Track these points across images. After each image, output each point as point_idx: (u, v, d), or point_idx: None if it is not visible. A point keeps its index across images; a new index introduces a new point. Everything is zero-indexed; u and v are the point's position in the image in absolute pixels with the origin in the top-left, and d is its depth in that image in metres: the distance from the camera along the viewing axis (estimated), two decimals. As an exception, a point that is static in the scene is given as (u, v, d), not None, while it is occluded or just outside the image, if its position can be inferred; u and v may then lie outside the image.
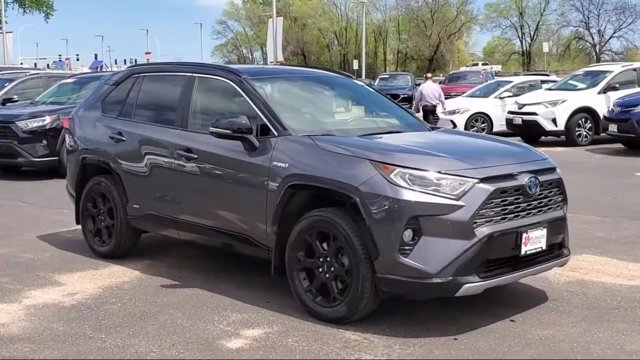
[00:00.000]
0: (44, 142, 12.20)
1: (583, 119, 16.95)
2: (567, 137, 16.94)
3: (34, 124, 12.26)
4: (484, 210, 4.77)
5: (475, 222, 4.73)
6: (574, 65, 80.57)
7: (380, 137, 5.69)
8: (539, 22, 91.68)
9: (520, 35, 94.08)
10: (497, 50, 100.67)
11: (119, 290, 6.00)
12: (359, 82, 7.19)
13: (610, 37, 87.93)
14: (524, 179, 4.98)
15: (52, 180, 12.33)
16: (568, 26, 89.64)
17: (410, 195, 4.72)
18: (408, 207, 4.69)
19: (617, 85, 16.89)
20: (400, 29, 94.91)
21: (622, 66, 18.13)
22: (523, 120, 17.29)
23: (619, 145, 16.23)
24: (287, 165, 5.30)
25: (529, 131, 17.51)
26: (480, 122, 19.28)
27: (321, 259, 5.13)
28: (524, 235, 4.94)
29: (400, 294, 4.89)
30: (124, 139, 6.72)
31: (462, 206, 4.70)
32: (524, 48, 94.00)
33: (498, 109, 19.20)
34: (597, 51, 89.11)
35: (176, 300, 5.70)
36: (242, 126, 5.50)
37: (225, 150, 5.75)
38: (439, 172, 4.78)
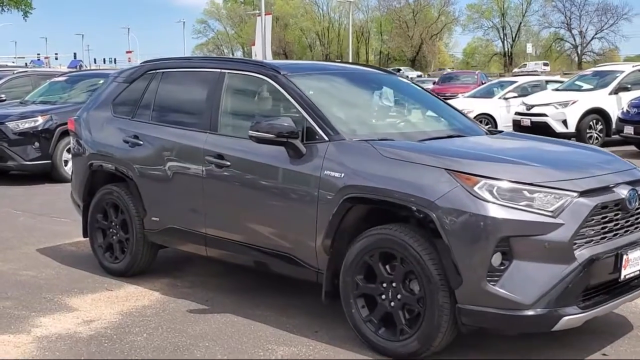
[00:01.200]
0: (36, 144, 11.37)
1: (594, 121, 16.35)
2: (578, 140, 16.31)
3: (25, 124, 11.42)
4: (584, 229, 4.08)
5: (575, 243, 4.04)
6: (555, 66, 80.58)
7: (448, 142, 4.99)
8: (520, 23, 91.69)
9: (502, 37, 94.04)
10: (477, 52, 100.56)
11: (141, 317, 5.25)
12: (404, 79, 6.47)
13: (592, 39, 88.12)
14: (623, 192, 4.30)
15: (45, 186, 11.56)
16: (550, 27, 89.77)
17: (499, 211, 4.02)
18: (497, 226, 3.99)
19: (629, 86, 16.31)
20: (382, 29, 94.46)
21: (633, 66, 17.55)
22: (532, 122, 16.65)
23: (632, 148, 15.66)
24: (342, 175, 4.58)
25: (538, 133, 16.84)
26: (484, 123, 18.63)
27: (385, 285, 4.42)
28: (624, 256, 4.27)
29: (486, 327, 4.18)
30: (141, 143, 5.95)
31: (560, 224, 4.01)
32: (506, 49, 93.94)
33: (503, 110, 18.58)
34: (579, 52, 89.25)
35: (209, 330, 4.96)
36: (287, 130, 4.78)
37: (264, 157, 5.03)
38: (532, 185, 4.08)
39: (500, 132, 5.99)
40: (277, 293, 5.69)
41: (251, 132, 4.89)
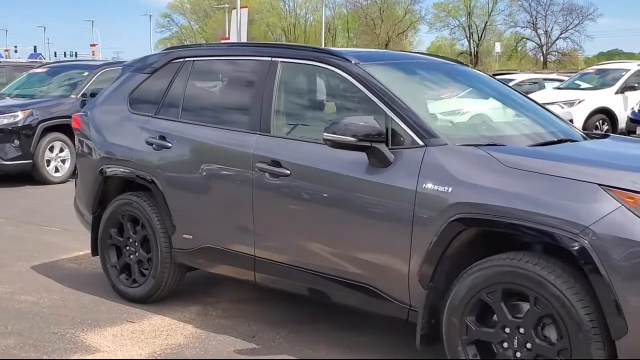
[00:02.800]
0: (16, 142, 10.24)
1: (601, 121, 15.64)
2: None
3: (3, 120, 10.27)
4: None
5: None
6: (521, 65, 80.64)
7: (570, 148, 4.10)
8: (487, 23, 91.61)
9: (468, 36, 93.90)
10: (441, 51, 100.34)
11: (181, 361, 4.25)
12: (482, 73, 5.54)
13: (558, 39, 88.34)
14: None
15: (26, 188, 10.50)
16: (516, 27, 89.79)
17: (678, 241, 3.12)
18: (676, 259, 3.09)
19: (636, 85, 15.63)
20: (349, 26, 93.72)
21: (638, 65, 16.89)
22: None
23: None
24: (449, 189, 3.66)
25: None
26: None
27: (509, 330, 3.49)
28: None
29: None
30: (170, 145, 4.95)
31: None
32: (472, 48, 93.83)
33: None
34: (544, 52, 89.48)
35: (272, 379, 3.98)
36: (372, 132, 3.84)
37: (336, 166, 4.09)
38: None
39: (607, 135, 5.08)
40: (338, 327, 4.75)
41: (327, 135, 3.93)
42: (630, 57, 67.99)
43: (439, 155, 3.80)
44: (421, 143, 3.89)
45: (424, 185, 3.75)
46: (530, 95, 16.21)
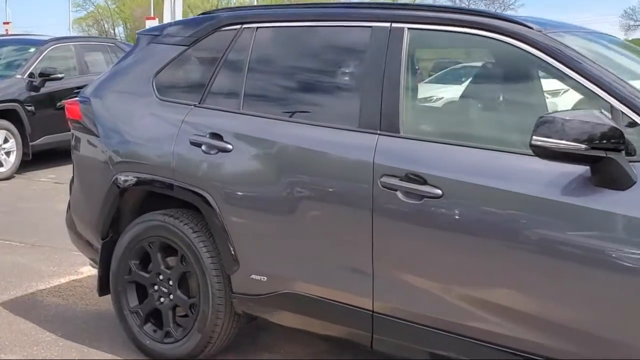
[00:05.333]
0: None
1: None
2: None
3: None
4: None
5: None
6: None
7: None
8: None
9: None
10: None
11: None
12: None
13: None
14: None
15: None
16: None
17: None
18: None
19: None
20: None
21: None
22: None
23: None
24: None
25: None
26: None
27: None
28: None
29: None
30: (230, 146, 3.46)
31: None
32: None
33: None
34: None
35: None
36: (611, 133, 2.48)
37: (529, 184, 2.75)
38: None
39: None
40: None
41: (538, 140, 2.55)
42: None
43: None
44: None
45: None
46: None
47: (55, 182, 9.02)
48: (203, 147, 3.56)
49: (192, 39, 3.86)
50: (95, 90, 4.15)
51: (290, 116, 3.41)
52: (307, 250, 3.29)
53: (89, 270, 5.33)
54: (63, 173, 9.46)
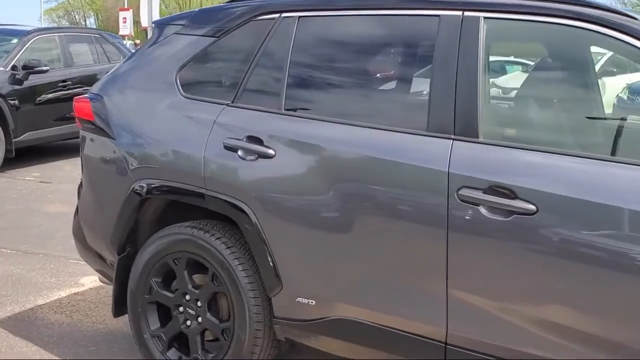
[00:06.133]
0: None
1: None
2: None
3: None
4: None
5: None
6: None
7: None
8: None
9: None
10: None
11: None
12: None
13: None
14: None
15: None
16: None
17: None
18: None
19: (614, 70, 14.43)
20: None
21: (613, 47, 15.73)
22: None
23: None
24: None
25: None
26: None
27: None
28: None
29: None
30: (272, 152, 3.03)
31: None
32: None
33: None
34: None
35: None
36: None
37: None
38: None
39: None
40: None
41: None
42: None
43: None
44: None
45: None
46: (500, 79, 14.86)
47: (40, 181, 8.52)
48: (239, 152, 3.13)
49: (222, 29, 3.42)
50: (109, 87, 3.69)
51: (343, 118, 2.98)
52: (365, 271, 2.88)
53: (91, 282, 4.90)
54: (48, 171, 8.97)
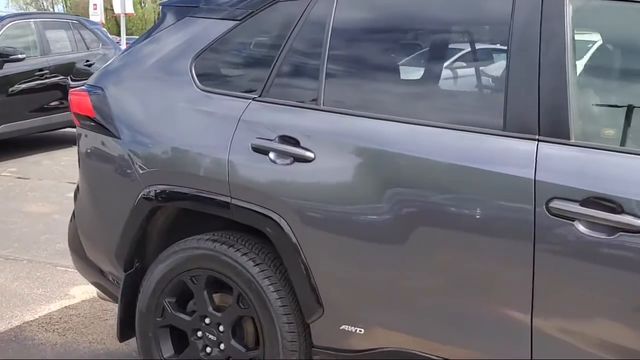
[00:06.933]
0: None
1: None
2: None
3: None
4: None
5: None
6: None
7: None
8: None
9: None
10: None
11: None
12: None
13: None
14: None
15: None
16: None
17: None
18: None
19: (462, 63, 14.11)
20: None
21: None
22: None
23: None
24: None
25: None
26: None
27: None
28: None
29: None
30: (311, 155, 2.58)
31: None
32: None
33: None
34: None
35: None
36: None
37: None
38: None
39: None
40: None
41: None
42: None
43: None
44: None
45: None
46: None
47: (17, 176, 7.97)
48: (271, 155, 2.67)
49: (246, 11, 2.95)
50: (110, 78, 3.20)
51: (396, 114, 2.53)
52: (429, 295, 2.44)
53: (83, 293, 4.43)
54: (25, 166, 8.43)
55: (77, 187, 3.39)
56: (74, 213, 3.47)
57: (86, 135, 3.23)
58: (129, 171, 3.02)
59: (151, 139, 2.98)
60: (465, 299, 2.38)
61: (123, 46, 14.47)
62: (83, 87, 3.29)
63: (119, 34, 24.66)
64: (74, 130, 9.34)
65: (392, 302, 2.52)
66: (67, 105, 9.27)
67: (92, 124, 3.18)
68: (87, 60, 9.84)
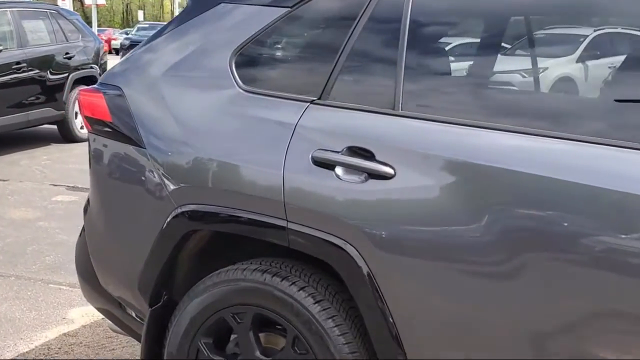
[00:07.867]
0: None
1: (565, 92, 13.78)
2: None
3: None
4: None
5: None
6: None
7: None
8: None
9: None
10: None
11: None
12: None
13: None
14: None
15: None
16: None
17: None
18: None
19: (598, 53, 13.83)
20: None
21: (594, 30, 15.15)
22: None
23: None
24: None
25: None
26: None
27: None
28: None
29: None
30: (389, 170, 2.10)
31: None
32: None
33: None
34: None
35: None
36: None
37: None
38: None
39: None
40: None
41: None
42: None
43: None
44: None
45: None
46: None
47: (-4, 178, 7.39)
48: (338, 170, 2.19)
49: (296, -2, 2.46)
50: (131, 76, 2.70)
51: (499, 121, 2.07)
52: (551, 339, 1.98)
53: (81, 316, 3.94)
54: (3, 167, 7.85)
55: (88, 200, 2.89)
56: (81, 232, 2.97)
57: (100, 143, 2.73)
58: (156, 187, 2.53)
59: (183, 148, 2.49)
60: (589, 343, 1.92)
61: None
62: (96, 86, 2.78)
63: (89, 25, 23.95)
64: (53, 127, 8.80)
65: (493, 346, 2.06)
66: (45, 100, 8.68)
67: (108, 129, 2.68)
68: (67, 53, 9.27)
